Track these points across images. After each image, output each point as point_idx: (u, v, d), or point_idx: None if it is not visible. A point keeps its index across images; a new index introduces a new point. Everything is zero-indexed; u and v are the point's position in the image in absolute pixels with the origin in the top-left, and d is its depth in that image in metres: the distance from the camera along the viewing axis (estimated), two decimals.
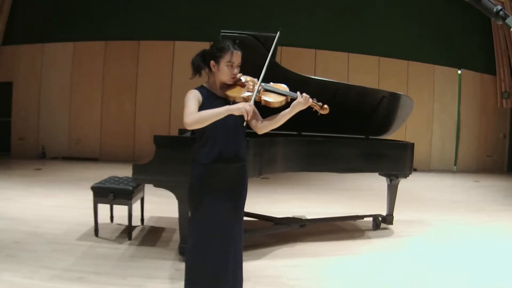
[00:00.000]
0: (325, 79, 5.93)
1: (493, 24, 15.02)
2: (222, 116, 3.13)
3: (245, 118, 3.09)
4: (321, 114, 3.39)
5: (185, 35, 13.26)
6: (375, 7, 14.61)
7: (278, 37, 3.58)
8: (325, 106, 3.36)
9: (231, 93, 3.34)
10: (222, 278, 3.31)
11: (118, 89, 13.95)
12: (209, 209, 3.29)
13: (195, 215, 3.35)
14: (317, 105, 3.35)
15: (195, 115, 3.13)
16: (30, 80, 13.83)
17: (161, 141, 4.93)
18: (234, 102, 3.30)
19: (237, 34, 4.70)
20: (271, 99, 3.35)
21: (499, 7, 2.20)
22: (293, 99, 3.31)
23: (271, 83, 3.43)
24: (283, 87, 3.44)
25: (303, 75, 5.44)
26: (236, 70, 3.32)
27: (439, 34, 14.94)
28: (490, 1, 2.24)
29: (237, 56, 3.30)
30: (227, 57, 3.27)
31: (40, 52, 13.84)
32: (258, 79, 3.36)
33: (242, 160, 3.40)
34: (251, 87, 3.36)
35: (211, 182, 3.29)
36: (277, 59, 5.28)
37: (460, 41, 15.25)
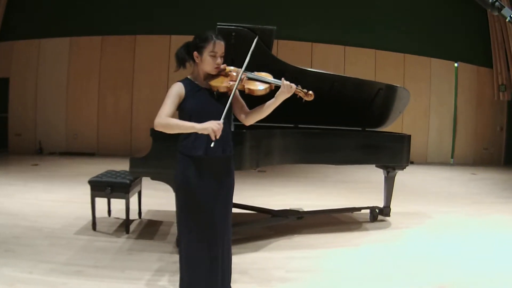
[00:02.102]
0: (321, 71, 5.93)
1: (489, 17, 15.02)
2: (187, 131, 3.19)
3: (212, 139, 3.07)
4: (305, 100, 3.36)
5: (182, 29, 13.19)
6: (371, 0, 14.60)
7: (256, 42, 3.53)
8: (310, 92, 3.33)
9: (214, 83, 3.33)
10: (215, 267, 3.32)
11: (115, 84, 13.94)
12: (197, 200, 3.29)
13: (184, 208, 3.35)
14: (301, 92, 3.32)
15: (164, 119, 3.17)
16: (26, 76, 13.81)
17: (157, 134, 4.91)
18: (218, 92, 3.32)
19: (233, 27, 4.69)
20: (254, 87, 3.34)
21: None
22: (277, 87, 3.30)
23: (255, 72, 3.42)
24: (266, 75, 3.42)
25: (300, 67, 5.44)
26: (219, 60, 3.31)
27: (435, 26, 14.93)
28: None
29: (220, 46, 3.30)
30: (209, 47, 3.27)
31: (36, 47, 13.81)
32: (239, 69, 3.36)
33: (228, 151, 3.40)
34: (234, 76, 3.35)
35: (197, 173, 3.28)
36: (274, 52, 5.28)
37: (457, 33, 15.24)
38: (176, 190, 3.43)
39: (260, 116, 3.41)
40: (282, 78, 3.30)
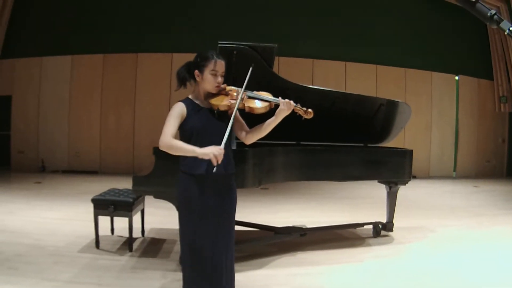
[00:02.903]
0: (323, 88, 5.97)
1: (489, 30, 15.10)
2: (189, 154, 3.21)
3: (214, 164, 3.09)
4: (305, 118, 3.39)
5: (183, 47, 13.28)
6: (371, 16, 14.68)
7: (251, 71, 3.55)
8: (309, 110, 3.37)
9: (214, 101, 3.35)
10: (219, 281, 3.31)
11: (117, 102, 13.98)
12: (199, 218, 3.29)
13: (186, 225, 3.35)
14: (301, 110, 3.36)
15: (169, 141, 3.21)
16: (29, 93, 13.87)
17: (160, 153, 4.91)
18: (218, 110, 3.35)
19: (234, 45, 4.72)
20: (254, 105, 3.38)
21: (493, 11, 2.22)
22: (277, 105, 3.33)
23: (254, 92, 3.46)
24: (266, 94, 3.46)
25: (302, 84, 5.46)
26: (220, 79, 3.35)
27: (435, 40, 15.01)
28: (484, 6, 2.26)
29: (220, 65, 3.33)
30: (210, 66, 3.30)
31: (38, 65, 13.88)
32: (239, 88, 3.39)
33: (230, 169, 3.41)
34: (234, 95, 3.38)
35: (199, 191, 3.29)
36: (275, 69, 5.31)
37: (457, 47, 15.32)
38: (178, 208, 3.43)
39: (261, 135, 3.44)
40: (279, 97, 3.34)
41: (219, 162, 3.09)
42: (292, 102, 3.29)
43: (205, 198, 3.30)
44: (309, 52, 14.36)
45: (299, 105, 3.35)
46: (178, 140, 3.23)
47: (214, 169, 3.10)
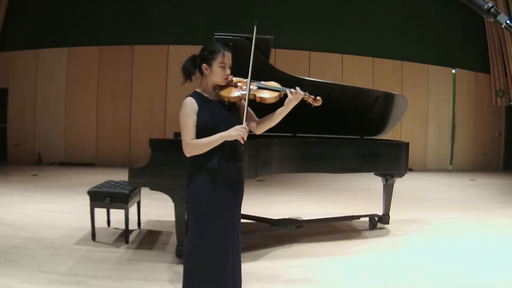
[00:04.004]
0: (319, 80, 5.95)
1: (486, 23, 15.08)
2: (218, 143, 3.20)
3: (242, 142, 3.14)
4: (314, 106, 3.40)
5: (179, 39, 13.29)
6: (368, 8, 14.67)
7: (256, 32, 3.55)
8: (318, 97, 3.38)
9: (225, 93, 3.35)
10: (222, 278, 3.31)
11: (113, 94, 13.97)
12: (210, 210, 3.29)
13: (196, 217, 3.34)
14: (310, 98, 3.37)
15: (193, 145, 3.20)
16: (25, 86, 13.85)
17: (156, 145, 4.95)
18: (229, 102, 3.34)
19: (230, 37, 4.72)
20: (265, 95, 3.38)
21: (490, 4, 2.21)
22: (285, 95, 3.33)
23: (262, 82, 3.46)
24: (274, 84, 3.46)
25: (297, 76, 5.46)
26: (228, 71, 3.35)
27: (432, 34, 15.01)
28: None
29: (228, 57, 3.33)
30: (219, 59, 3.30)
31: (35, 58, 13.86)
32: (247, 79, 3.39)
33: (240, 160, 3.42)
34: (244, 86, 3.38)
35: (210, 184, 3.28)
36: (271, 61, 5.30)
37: (454, 40, 15.33)
38: (187, 200, 3.41)
39: (271, 124, 3.44)
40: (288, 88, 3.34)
41: (245, 139, 3.14)
42: (300, 91, 3.30)
43: (216, 191, 3.29)
44: (306, 44, 14.35)
45: (307, 93, 3.36)
46: (199, 140, 3.21)
47: (242, 148, 3.22)
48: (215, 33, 4.67)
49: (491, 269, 5.04)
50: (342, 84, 6.62)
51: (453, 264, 5.22)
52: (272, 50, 5.22)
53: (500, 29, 14.68)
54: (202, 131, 3.24)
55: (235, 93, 3.35)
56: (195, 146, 3.20)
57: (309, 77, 6.25)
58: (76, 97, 13.94)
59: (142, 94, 13.89)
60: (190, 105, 3.28)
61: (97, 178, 8.35)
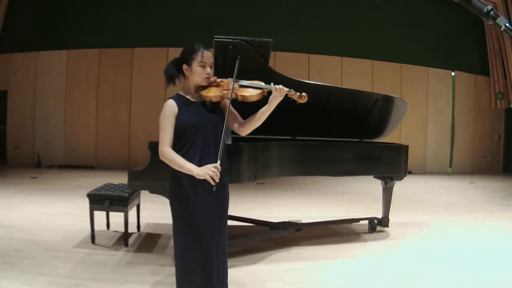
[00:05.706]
0: (318, 83, 5.95)
1: (486, 26, 15.11)
2: (185, 172, 3.15)
3: (212, 183, 3.08)
4: (299, 103, 3.32)
5: (179, 41, 13.21)
6: (368, 11, 14.68)
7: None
8: (303, 94, 3.30)
9: (206, 93, 3.31)
10: (211, 277, 3.29)
11: (113, 97, 13.96)
12: (191, 213, 3.25)
13: (179, 221, 3.32)
14: (294, 95, 3.29)
15: (170, 154, 3.18)
16: (25, 88, 13.85)
17: (156, 147, 4.93)
18: (210, 102, 3.30)
19: (230, 40, 4.71)
20: (247, 93, 3.32)
21: (490, 7, 2.21)
22: (270, 93, 3.28)
23: (246, 80, 3.40)
24: (258, 82, 3.39)
25: (296, 79, 5.45)
26: (209, 70, 3.31)
27: (432, 36, 15.02)
28: (481, 1, 2.25)
29: (208, 56, 3.30)
30: (198, 58, 3.27)
31: (34, 60, 13.86)
32: (229, 78, 3.36)
33: (223, 165, 3.26)
34: (225, 86, 3.34)
35: (191, 186, 3.24)
36: (271, 64, 5.30)
37: (453, 43, 15.34)
38: (170, 203, 3.39)
39: (256, 125, 3.38)
40: (271, 83, 3.29)
41: (216, 181, 3.08)
42: (284, 87, 3.25)
43: (197, 194, 3.24)
44: (305, 47, 14.35)
45: (292, 90, 3.29)
46: (178, 156, 3.18)
47: (214, 188, 3.10)
48: (215, 36, 4.67)
49: (490, 272, 5.04)
50: (342, 87, 6.61)
51: (452, 267, 5.22)
52: (272, 53, 5.21)
53: (500, 32, 14.69)
54: (182, 133, 3.23)
55: (215, 92, 3.31)
56: (168, 159, 3.19)
57: (308, 80, 6.24)
58: (75, 100, 13.93)
59: (141, 97, 13.87)
60: (169, 108, 3.26)
61: (97, 181, 8.36)
